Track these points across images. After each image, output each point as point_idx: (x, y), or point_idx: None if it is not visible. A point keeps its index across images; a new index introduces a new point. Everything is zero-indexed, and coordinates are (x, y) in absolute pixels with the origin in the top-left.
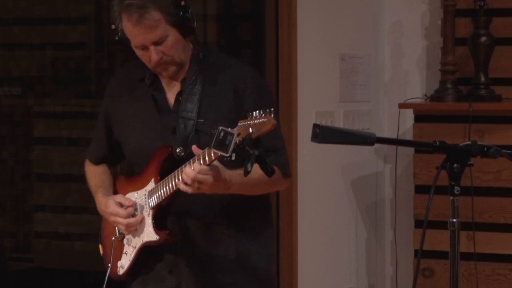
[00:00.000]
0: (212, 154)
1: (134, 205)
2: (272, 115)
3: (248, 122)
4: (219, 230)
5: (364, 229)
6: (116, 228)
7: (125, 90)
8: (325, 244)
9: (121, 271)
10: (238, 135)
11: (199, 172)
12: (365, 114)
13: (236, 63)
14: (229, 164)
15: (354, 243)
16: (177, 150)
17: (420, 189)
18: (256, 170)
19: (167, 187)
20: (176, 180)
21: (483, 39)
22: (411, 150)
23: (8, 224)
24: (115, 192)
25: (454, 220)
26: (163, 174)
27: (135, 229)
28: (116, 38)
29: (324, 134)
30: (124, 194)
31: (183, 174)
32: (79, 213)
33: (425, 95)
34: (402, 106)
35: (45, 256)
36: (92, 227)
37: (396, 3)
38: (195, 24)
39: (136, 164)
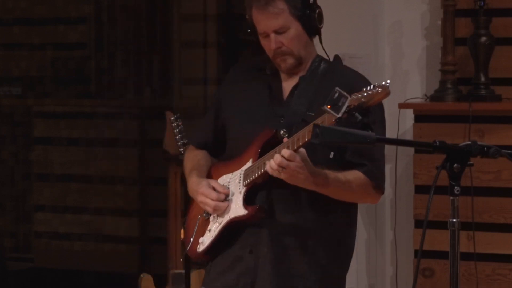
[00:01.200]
0: (326, 121)
1: (227, 193)
2: (388, 85)
3: (362, 93)
4: (307, 215)
5: (364, 229)
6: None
7: (244, 77)
8: None
9: (201, 248)
10: (350, 105)
11: (288, 157)
12: None
13: (356, 73)
14: (325, 164)
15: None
16: (281, 132)
17: (420, 189)
18: (346, 174)
19: (262, 165)
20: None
21: (483, 39)
22: (411, 150)
23: (8, 224)
24: (209, 177)
25: (454, 220)
26: (262, 155)
27: (222, 211)
28: (248, 30)
29: (324, 134)
30: (218, 177)
31: (272, 159)
32: (79, 213)
33: (425, 95)
34: (402, 106)
35: (45, 256)
36: (92, 227)
37: (396, 3)
38: (322, 25)
39: (236, 148)
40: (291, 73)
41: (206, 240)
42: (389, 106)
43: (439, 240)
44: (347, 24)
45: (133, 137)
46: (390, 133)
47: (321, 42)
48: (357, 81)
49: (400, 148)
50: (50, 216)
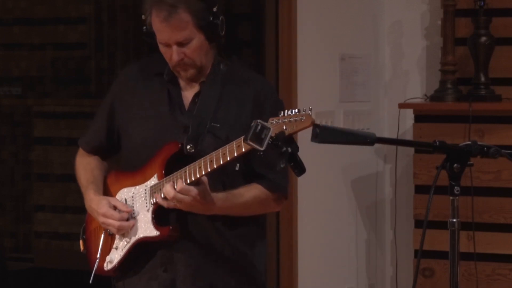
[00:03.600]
0: (242, 145)
1: (130, 212)
2: (310, 113)
3: (282, 119)
4: (219, 229)
5: (364, 229)
6: None
7: (140, 81)
8: (325, 244)
9: (109, 266)
10: (272, 135)
11: (179, 191)
12: (365, 114)
13: (256, 76)
14: (230, 176)
15: (354, 243)
16: (188, 147)
17: (420, 189)
18: (244, 193)
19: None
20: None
21: (483, 39)
22: (411, 150)
23: (8, 224)
24: (106, 188)
25: (454, 220)
26: (168, 170)
27: (127, 230)
28: (144, 28)
29: (324, 134)
30: (118, 189)
31: (164, 189)
32: (79, 213)
33: (425, 95)
34: (402, 106)
35: (45, 256)
36: None
37: (396, 3)
38: (224, 32)
39: (136, 158)
40: (191, 81)
41: (114, 259)
42: (389, 106)
43: (439, 240)
44: (347, 24)
45: None
46: (390, 133)
47: (220, 50)
48: (261, 89)
49: (400, 148)
50: (50, 216)
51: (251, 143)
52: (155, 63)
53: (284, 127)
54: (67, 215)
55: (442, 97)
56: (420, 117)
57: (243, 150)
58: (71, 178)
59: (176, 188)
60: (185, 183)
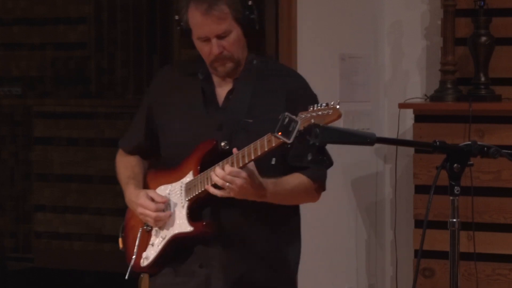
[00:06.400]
0: (273, 140)
1: (166, 202)
2: (338, 107)
3: (310, 113)
4: (255, 226)
5: (364, 229)
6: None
7: (175, 82)
8: (325, 244)
9: (145, 262)
10: (300, 129)
11: (229, 174)
12: (365, 114)
13: (290, 71)
14: (267, 171)
15: (354, 243)
16: (222, 144)
17: (420, 189)
18: (290, 180)
19: (206, 180)
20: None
21: (483, 39)
22: (411, 150)
23: (8, 224)
24: (145, 186)
25: (454, 220)
26: (203, 167)
27: (164, 222)
28: (178, 28)
29: (324, 134)
30: (156, 187)
31: (213, 175)
32: (79, 213)
33: (425, 95)
34: (402, 106)
35: (45, 256)
36: (92, 227)
37: (396, 3)
38: (258, 26)
39: (173, 157)
40: (226, 77)
41: (150, 255)
42: (389, 106)
43: (439, 240)
44: (347, 24)
45: None
46: (390, 133)
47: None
48: (294, 83)
49: (400, 148)
50: (50, 216)
51: (278, 135)
52: (188, 65)
53: (312, 121)
54: (67, 215)
55: (442, 97)
56: (420, 117)
57: (273, 144)
58: (71, 178)
59: (225, 171)
60: None
